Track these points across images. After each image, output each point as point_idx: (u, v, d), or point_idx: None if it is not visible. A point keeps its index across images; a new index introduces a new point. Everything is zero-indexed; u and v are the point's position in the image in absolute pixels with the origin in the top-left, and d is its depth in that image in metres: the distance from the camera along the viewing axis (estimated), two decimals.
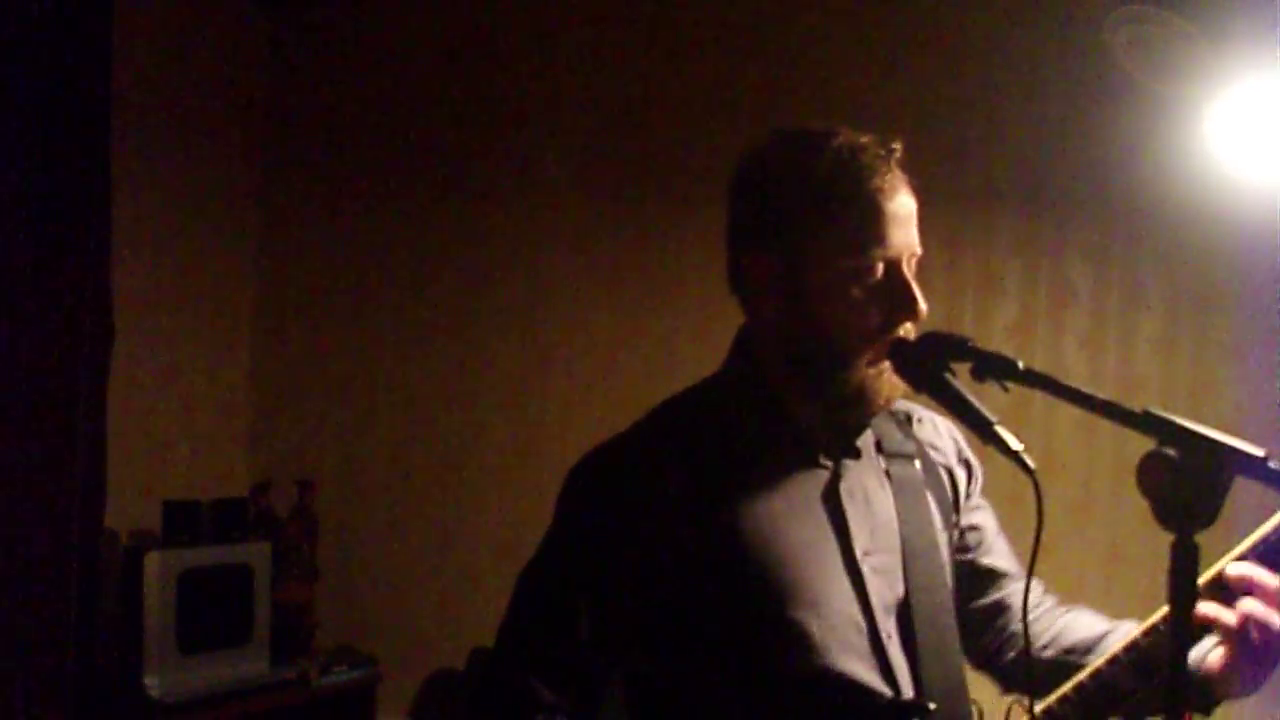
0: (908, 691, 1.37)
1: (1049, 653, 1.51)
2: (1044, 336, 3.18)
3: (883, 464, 1.48)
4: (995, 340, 3.16)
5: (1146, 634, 1.35)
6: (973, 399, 1.29)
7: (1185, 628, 1.07)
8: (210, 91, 3.87)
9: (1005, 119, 3.21)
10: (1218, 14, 2.80)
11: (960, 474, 1.58)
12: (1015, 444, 1.24)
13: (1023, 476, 1.22)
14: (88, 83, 3.18)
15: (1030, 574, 1.34)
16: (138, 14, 3.47)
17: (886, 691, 1.36)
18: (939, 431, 1.58)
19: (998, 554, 1.59)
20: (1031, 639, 1.52)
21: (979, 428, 1.28)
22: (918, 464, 1.51)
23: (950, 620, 1.45)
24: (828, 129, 1.40)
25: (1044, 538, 1.25)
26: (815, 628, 1.34)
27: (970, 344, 1.30)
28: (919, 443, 1.54)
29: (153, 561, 3.20)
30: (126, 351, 3.36)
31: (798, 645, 1.33)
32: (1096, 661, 1.38)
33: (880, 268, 1.35)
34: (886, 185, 1.35)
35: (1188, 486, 1.06)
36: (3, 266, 3.02)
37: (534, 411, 3.72)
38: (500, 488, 3.72)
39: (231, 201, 3.99)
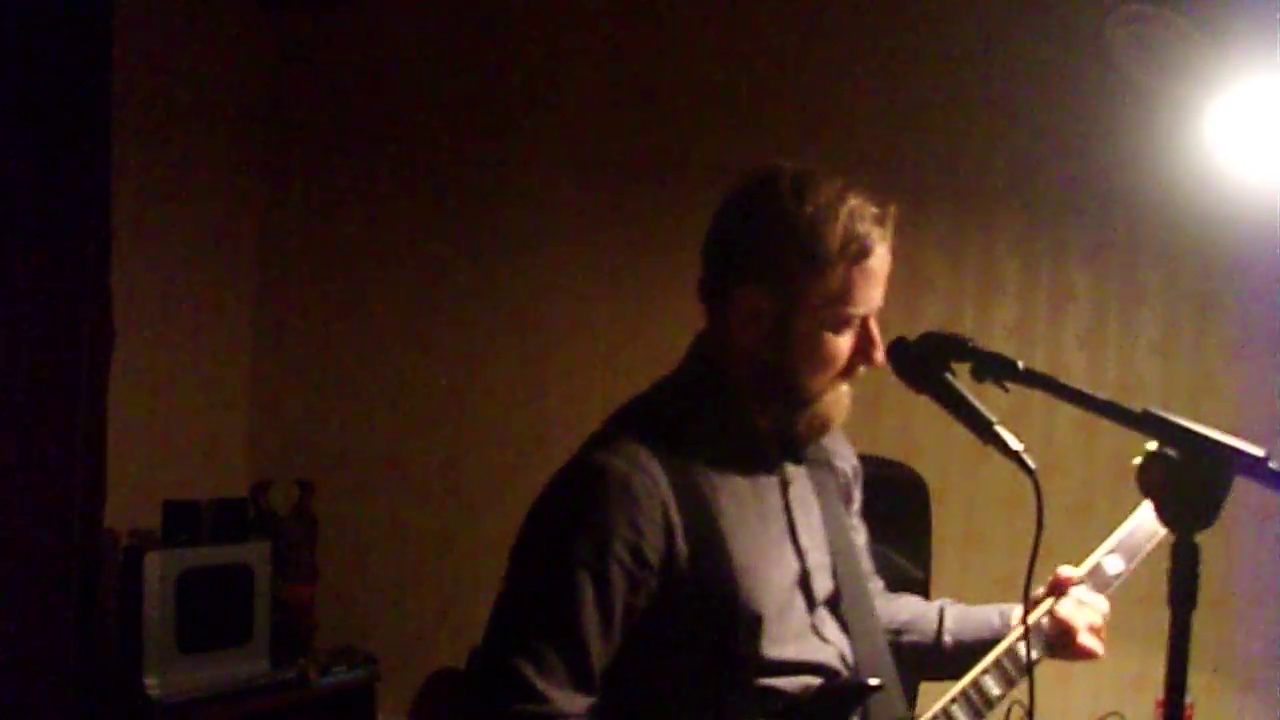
0: (845, 673, 1.49)
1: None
2: (1044, 336, 3.18)
3: (805, 470, 1.59)
4: (995, 340, 3.14)
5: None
6: (973, 399, 1.30)
7: (1185, 628, 1.08)
8: (210, 92, 3.87)
9: (1005, 119, 3.20)
10: (1218, 14, 2.80)
11: (856, 482, 1.70)
12: (1015, 444, 1.26)
13: (1023, 476, 1.22)
14: (88, 82, 3.18)
15: (1030, 574, 1.35)
16: (138, 14, 3.48)
17: (842, 673, 1.48)
18: (839, 438, 1.68)
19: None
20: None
21: (979, 428, 1.29)
22: (828, 470, 1.63)
23: (873, 607, 1.60)
24: (833, 185, 1.44)
25: (1044, 538, 1.25)
26: (778, 620, 1.44)
27: (970, 344, 1.32)
28: (826, 450, 1.64)
29: (153, 561, 3.20)
30: (126, 351, 3.36)
31: (763, 636, 1.42)
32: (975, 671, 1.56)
33: (857, 320, 1.45)
34: (880, 250, 1.44)
35: (1188, 486, 1.06)
36: (3, 266, 3.03)
37: (534, 411, 3.71)
38: (500, 488, 3.71)
39: (231, 202, 3.99)
